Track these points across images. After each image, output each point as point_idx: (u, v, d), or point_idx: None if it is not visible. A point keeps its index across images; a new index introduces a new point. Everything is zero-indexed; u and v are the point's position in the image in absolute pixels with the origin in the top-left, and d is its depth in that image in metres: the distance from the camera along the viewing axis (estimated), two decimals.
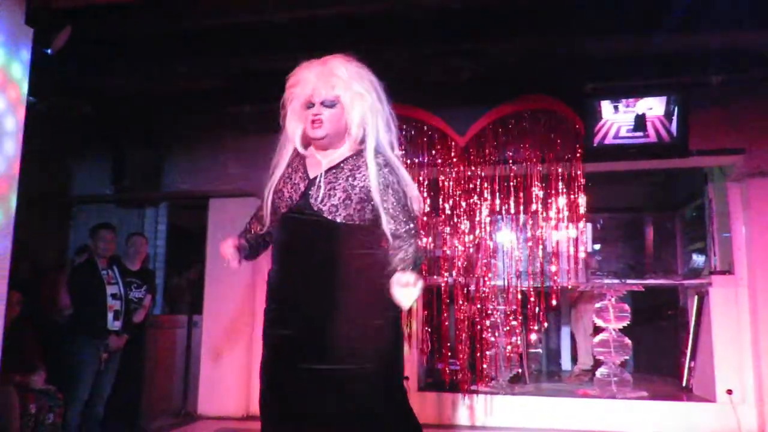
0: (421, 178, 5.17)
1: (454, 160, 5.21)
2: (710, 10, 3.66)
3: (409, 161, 5.12)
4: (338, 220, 2.07)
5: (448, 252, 5.22)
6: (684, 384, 5.62)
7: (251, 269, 5.51)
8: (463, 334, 5.14)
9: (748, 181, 4.95)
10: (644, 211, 7.66)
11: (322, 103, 2.13)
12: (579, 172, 5.02)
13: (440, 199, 5.26)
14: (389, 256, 2.11)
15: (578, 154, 5.01)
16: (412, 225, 2.16)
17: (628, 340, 5.37)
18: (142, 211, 6.65)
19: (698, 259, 6.10)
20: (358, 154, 2.16)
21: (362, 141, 2.16)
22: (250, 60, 4.57)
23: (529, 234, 5.22)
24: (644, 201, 7.64)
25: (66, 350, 4.27)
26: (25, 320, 4.08)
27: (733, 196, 5.15)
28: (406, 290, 2.00)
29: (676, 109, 4.68)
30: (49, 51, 3.54)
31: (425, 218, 5.18)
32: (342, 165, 2.14)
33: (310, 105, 2.15)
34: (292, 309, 2.10)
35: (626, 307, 5.44)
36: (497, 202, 5.19)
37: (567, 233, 5.17)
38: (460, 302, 5.16)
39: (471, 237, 5.20)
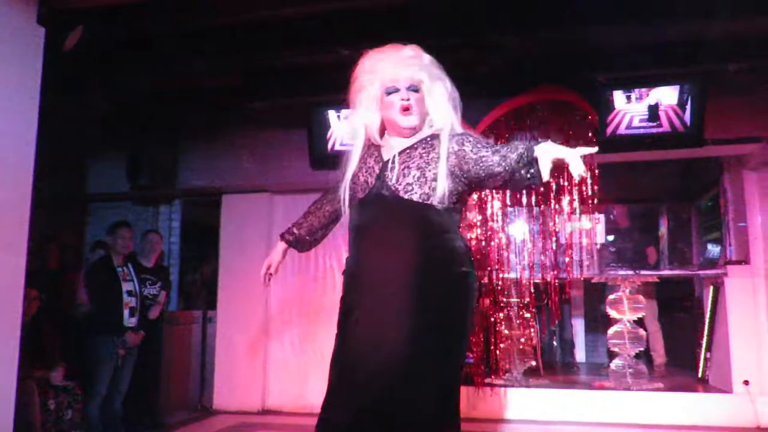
0: None
1: None
2: None
3: None
4: (414, 198, 1.98)
5: None
6: (700, 375, 5.58)
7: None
8: (477, 328, 5.14)
9: (765, 170, 4.89)
10: (659, 202, 7.59)
11: (407, 88, 2.05)
12: (593, 163, 4.99)
13: None
14: (507, 169, 1.93)
15: (592, 145, 4.96)
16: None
17: (642, 332, 5.34)
18: (156, 209, 6.71)
19: (714, 250, 6.05)
20: (433, 136, 2.08)
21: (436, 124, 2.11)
22: (264, 57, 4.58)
23: (542, 226, 5.21)
24: (659, 191, 7.56)
25: (84, 346, 4.32)
26: (44, 317, 4.14)
27: (749, 186, 5.10)
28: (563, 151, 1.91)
29: (689, 98, 4.62)
30: (63, 50, 3.56)
31: None
32: (416, 145, 2.07)
33: (391, 90, 2.06)
34: (365, 291, 2.00)
35: (641, 298, 5.41)
36: (509, 194, 5.17)
37: (580, 224, 5.15)
38: None
39: (483, 229, 5.19)
